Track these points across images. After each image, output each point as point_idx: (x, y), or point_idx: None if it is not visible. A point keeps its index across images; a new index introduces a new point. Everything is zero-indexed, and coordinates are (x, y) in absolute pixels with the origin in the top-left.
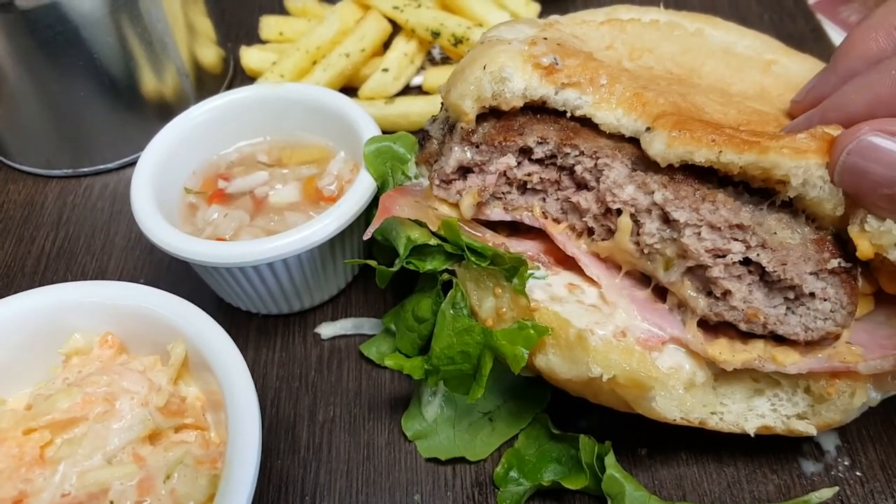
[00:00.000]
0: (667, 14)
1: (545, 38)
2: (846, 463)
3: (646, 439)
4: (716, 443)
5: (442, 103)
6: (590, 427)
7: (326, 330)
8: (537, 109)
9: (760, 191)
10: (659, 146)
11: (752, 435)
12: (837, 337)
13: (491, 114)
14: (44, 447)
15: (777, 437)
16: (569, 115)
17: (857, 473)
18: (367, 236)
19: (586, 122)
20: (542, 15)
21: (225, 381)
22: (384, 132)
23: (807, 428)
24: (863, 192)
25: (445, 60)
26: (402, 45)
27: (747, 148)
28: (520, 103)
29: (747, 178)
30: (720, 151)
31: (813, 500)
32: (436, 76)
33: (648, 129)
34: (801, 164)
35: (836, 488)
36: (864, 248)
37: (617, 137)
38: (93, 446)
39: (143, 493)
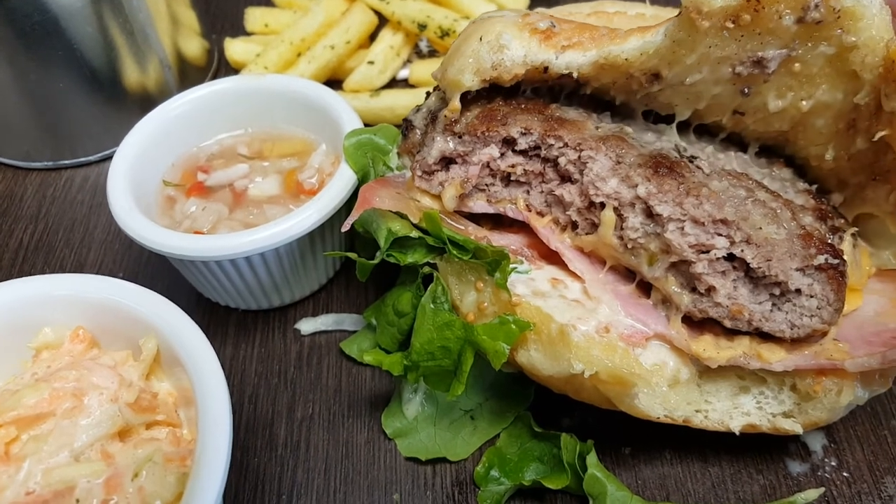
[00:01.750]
0: (653, 8)
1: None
2: (833, 463)
3: (629, 438)
4: (700, 442)
5: (427, 93)
6: (573, 425)
7: (306, 326)
8: (522, 99)
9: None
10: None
11: (738, 433)
12: (824, 334)
13: (475, 103)
14: (9, 444)
15: (763, 436)
16: (576, 75)
17: (844, 474)
18: (345, 228)
19: (572, 102)
20: (530, 8)
21: (196, 377)
22: (369, 126)
23: (793, 426)
24: None
25: (432, 53)
26: (388, 38)
27: None
28: (521, 71)
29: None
30: None
31: (799, 500)
32: (422, 69)
33: None
34: None
35: (823, 489)
36: None
37: (603, 129)
38: (59, 443)
39: (110, 491)
